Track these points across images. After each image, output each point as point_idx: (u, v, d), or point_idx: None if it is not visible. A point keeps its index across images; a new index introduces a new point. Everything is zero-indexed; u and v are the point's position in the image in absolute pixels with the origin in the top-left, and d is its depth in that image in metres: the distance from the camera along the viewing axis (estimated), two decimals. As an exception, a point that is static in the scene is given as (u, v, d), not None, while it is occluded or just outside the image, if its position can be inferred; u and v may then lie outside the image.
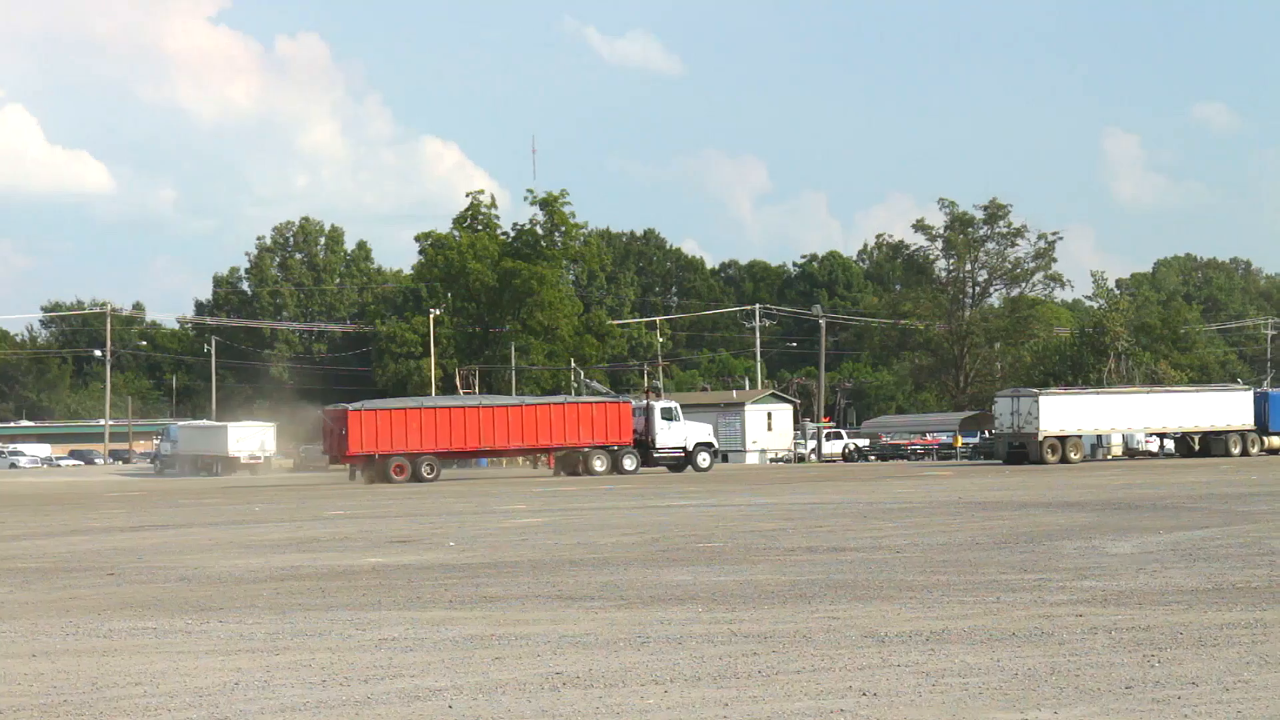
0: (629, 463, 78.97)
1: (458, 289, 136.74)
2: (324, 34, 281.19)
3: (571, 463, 78.95)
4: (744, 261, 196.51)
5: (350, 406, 79.18)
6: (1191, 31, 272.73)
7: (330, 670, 14.00)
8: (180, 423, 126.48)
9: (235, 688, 13.22)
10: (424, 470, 75.28)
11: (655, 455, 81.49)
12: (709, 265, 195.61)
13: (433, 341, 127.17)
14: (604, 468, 77.88)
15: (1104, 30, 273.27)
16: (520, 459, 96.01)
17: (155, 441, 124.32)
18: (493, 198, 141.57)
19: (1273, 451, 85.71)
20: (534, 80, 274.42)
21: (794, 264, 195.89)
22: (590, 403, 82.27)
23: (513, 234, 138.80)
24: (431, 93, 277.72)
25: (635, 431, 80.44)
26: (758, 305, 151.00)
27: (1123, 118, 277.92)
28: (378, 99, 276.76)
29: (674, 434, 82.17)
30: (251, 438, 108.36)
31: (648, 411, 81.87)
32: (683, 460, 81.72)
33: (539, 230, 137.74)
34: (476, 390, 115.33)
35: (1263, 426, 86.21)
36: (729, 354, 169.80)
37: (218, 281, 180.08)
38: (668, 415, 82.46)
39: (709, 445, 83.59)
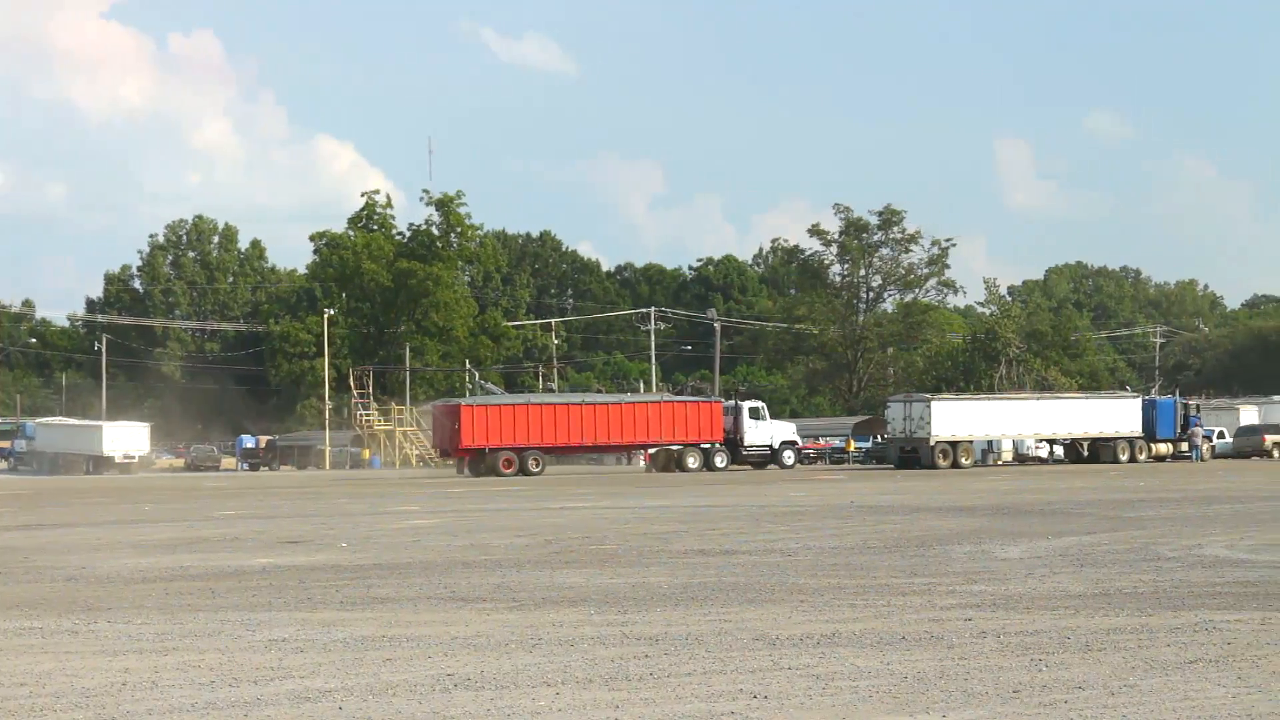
0: (720, 460, 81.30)
1: (352, 289, 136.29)
2: (217, 31, 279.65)
3: (665, 460, 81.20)
4: (639, 264, 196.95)
5: (463, 401, 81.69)
6: (1083, 40, 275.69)
7: (219, 671, 13.90)
8: (38, 420, 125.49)
9: (123, 688, 13.10)
10: (530, 464, 77.46)
11: (743, 453, 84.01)
12: (604, 268, 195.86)
13: (326, 342, 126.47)
14: (697, 465, 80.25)
15: (996, 38, 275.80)
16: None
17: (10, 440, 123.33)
18: (388, 198, 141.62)
19: (1160, 458, 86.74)
20: (431, 81, 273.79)
21: (689, 267, 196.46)
22: (685, 402, 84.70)
23: (408, 234, 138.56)
24: (327, 91, 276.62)
25: (725, 430, 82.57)
26: (653, 308, 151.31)
27: (1015, 126, 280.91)
28: (271, 97, 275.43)
29: (761, 433, 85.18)
30: (126, 437, 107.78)
31: (736, 411, 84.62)
32: (768, 458, 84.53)
33: (434, 231, 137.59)
34: (371, 391, 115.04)
35: (1150, 434, 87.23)
36: (624, 356, 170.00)
37: (109, 279, 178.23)
38: (755, 415, 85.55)
39: (793, 444, 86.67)
